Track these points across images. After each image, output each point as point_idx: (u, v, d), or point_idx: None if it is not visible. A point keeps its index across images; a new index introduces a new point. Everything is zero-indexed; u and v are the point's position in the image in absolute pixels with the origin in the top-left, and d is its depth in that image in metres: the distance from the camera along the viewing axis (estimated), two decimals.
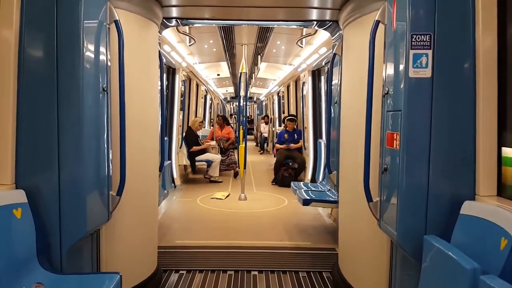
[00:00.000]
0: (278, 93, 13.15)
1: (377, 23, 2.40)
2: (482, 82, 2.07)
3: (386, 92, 2.33)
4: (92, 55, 2.35)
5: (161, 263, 3.55)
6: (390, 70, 2.30)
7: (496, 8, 2.06)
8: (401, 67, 2.13)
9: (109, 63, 2.52)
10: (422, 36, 2.05)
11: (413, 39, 2.06)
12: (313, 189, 5.32)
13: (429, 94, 2.09)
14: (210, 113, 13.98)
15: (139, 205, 3.03)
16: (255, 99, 21.36)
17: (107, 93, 2.49)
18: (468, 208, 2.01)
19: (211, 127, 11.29)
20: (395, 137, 2.21)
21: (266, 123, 15.27)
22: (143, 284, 3.06)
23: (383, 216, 2.41)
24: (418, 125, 2.11)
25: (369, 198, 2.50)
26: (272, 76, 11.69)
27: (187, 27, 5.46)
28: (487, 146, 2.09)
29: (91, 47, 2.33)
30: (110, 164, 2.56)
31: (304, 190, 5.08)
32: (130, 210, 2.88)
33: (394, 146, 2.21)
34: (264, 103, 20.04)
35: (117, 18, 2.55)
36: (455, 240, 1.99)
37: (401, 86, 2.13)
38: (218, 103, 16.41)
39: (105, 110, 2.49)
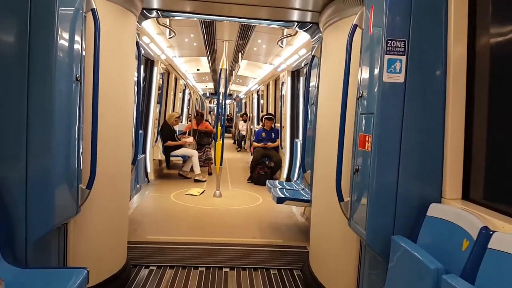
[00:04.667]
0: (257, 92, 13.16)
1: (354, 27, 2.44)
2: (451, 89, 2.14)
3: (360, 95, 2.37)
4: (66, 44, 2.28)
5: (131, 259, 3.49)
6: (365, 73, 2.34)
7: (466, 20, 2.15)
8: (376, 71, 2.18)
9: (84, 53, 2.45)
10: (397, 42, 2.10)
11: (388, 45, 2.11)
12: (288, 187, 5.35)
13: (402, 98, 2.14)
14: (189, 108, 13.81)
15: (109, 199, 2.97)
16: (234, 96, 21.28)
17: (80, 83, 2.42)
18: (434, 210, 2.08)
19: (189, 122, 11.15)
20: (367, 139, 2.25)
21: (245, 121, 15.27)
22: (111, 279, 3.00)
23: (353, 216, 2.45)
24: (390, 128, 2.16)
25: (340, 197, 2.55)
26: (252, 74, 11.69)
27: (167, 19, 5.38)
28: (453, 150, 2.16)
29: (66, 35, 2.26)
30: (81, 156, 2.50)
31: (278, 189, 5.10)
32: (100, 204, 2.82)
33: (366, 148, 2.26)
34: (243, 101, 20.02)
35: (94, 7, 2.48)
36: (421, 241, 2.05)
37: (375, 90, 2.18)
38: (197, 98, 16.24)
39: (78, 100, 2.42)
